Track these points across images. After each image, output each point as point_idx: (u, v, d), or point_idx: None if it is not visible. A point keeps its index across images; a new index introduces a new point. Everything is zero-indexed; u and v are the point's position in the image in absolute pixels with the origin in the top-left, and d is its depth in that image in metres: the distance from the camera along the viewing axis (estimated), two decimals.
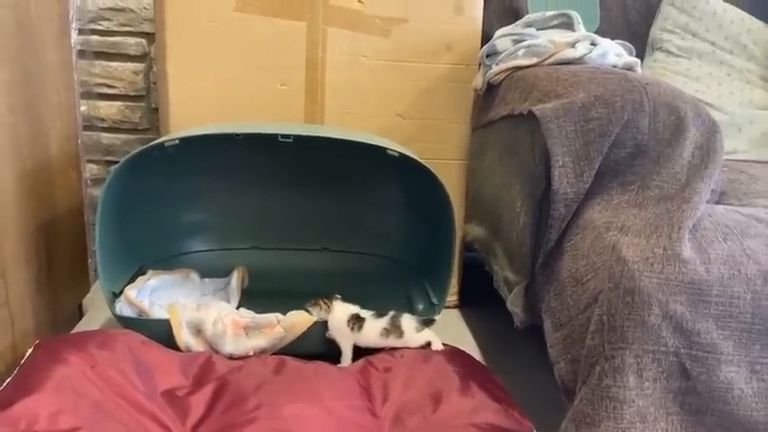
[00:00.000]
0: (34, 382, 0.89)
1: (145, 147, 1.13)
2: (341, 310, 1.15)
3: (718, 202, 0.98)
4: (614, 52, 1.18)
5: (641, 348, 0.78)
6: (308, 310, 1.16)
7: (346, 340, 1.14)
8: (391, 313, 1.15)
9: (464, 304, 1.57)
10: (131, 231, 1.29)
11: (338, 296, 1.19)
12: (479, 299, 1.53)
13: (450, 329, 1.40)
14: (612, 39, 1.24)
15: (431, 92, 1.45)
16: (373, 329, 1.13)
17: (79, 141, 1.35)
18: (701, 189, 0.87)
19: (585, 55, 1.15)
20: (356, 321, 1.14)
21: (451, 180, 1.41)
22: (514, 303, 1.07)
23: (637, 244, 0.82)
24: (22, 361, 0.97)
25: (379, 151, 1.19)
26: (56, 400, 0.86)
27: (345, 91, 1.42)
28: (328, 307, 1.15)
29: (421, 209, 1.43)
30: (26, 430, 0.81)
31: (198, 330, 1.13)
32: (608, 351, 0.79)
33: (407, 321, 1.14)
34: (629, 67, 1.18)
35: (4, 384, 0.91)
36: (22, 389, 0.88)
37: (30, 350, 0.99)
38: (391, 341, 1.13)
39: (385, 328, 1.13)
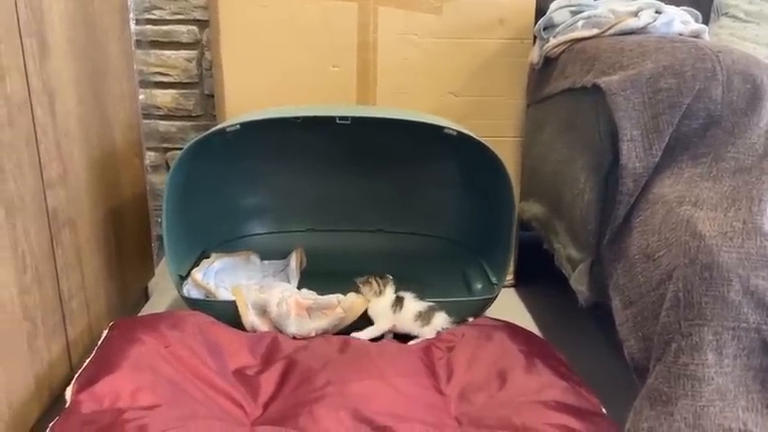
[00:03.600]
0: (113, 361, 0.93)
1: (206, 133, 1.15)
2: (388, 296, 1.16)
3: None
4: (680, 20, 1.13)
5: (720, 325, 0.75)
6: (358, 287, 1.18)
7: (384, 320, 1.16)
8: (432, 303, 1.16)
9: (520, 283, 1.56)
10: (194, 216, 1.32)
11: (390, 277, 1.19)
12: (535, 278, 1.51)
13: (508, 309, 1.39)
14: (676, 6, 1.19)
15: (484, 69, 1.42)
16: (410, 310, 1.15)
17: (140, 129, 1.39)
18: None
19: (649, 24, 1.11)
20: (398, 302, 1.16)
21: (507, 158, 1.38)
22: (579, 281, 1.05)
23: (713, 218, 0.79)
24: (99, 342, 1.01)
25: (434, 130, 1.18)
26: (135, 378, 0.90)
27: (397, 70, 1.41)
28: (380, 288, 1.16)
29: (476, 188, 1.41)
30: (110, 407, 0.85)
31: (263, 311, 1.15)
32: (684, 328, 0.77)
33: (439, 318, 1.15)
34: (697, 35, 1.13)
35: (85, 364, 0.95)
36: (102, 368, 0.91)
37: (105, 331, 1.03)
38: (416, 326, 1.15)
39: (420, 312, 1.15)
